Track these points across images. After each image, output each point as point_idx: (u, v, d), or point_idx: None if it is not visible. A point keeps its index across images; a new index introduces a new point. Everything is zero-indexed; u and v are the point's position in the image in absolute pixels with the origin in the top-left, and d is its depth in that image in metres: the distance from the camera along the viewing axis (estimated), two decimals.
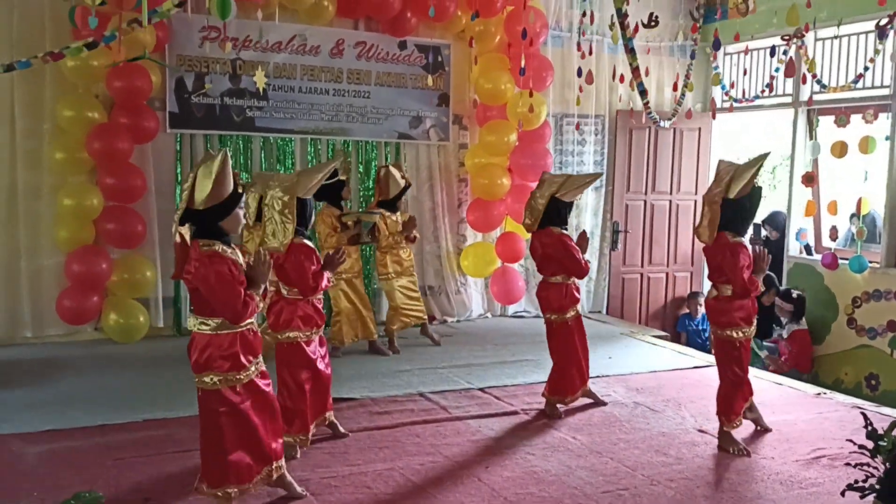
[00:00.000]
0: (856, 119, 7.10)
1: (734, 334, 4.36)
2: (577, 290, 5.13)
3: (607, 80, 8.41)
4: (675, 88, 7.78)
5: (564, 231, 4.99)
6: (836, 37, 7.01)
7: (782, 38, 7.01)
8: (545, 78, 7.50)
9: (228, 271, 3.19)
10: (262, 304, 3.41)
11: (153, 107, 6.69)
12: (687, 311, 9.02)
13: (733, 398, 4.41)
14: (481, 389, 5.52)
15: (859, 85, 7.14)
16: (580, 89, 7.53)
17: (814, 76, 7.26)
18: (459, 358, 6.41)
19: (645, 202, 8.78)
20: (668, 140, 8.75)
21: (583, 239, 5.08)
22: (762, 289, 4.44)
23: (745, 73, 7.35)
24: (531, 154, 7.64)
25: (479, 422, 4.82)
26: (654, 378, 5.95)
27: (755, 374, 6.15)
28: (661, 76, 8.64)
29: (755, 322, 4.46)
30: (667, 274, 8.96)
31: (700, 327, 8.89)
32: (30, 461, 4.09)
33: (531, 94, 6.99)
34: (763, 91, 7.93)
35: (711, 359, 6.74)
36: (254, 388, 3.43)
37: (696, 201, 8.95)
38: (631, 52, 5.54)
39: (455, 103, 7.91)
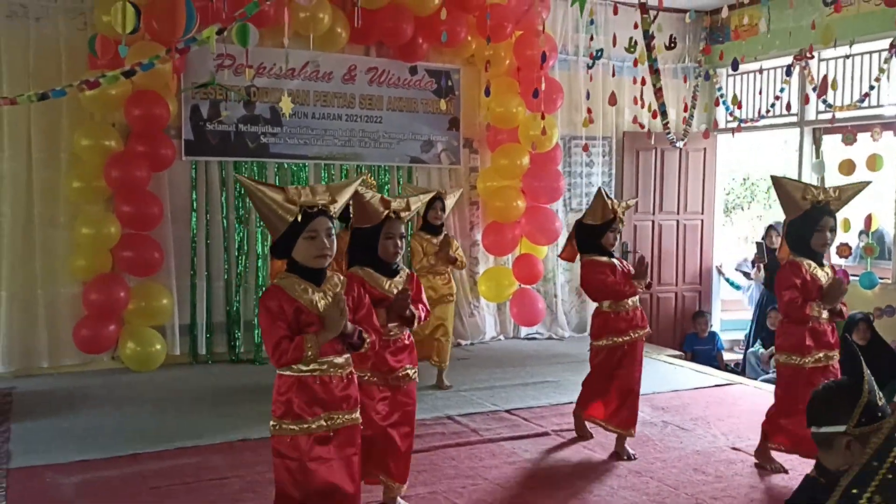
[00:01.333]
0: (863, 137, 7.21)
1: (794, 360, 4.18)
2: (624, 317, 4.62)
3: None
4: (685, 109, 7.86)
5: (596, 257, 4.63)
6: (847, 56, 7.11)
7: (795, 58, 7.10)
8: (555, 100, 7.58)
9: (275, 308, 2.83)
10: (365, 347, 2.99)
11: (168, 135, 6.70)
12: (693, 330, 9.06)
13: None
14: (508, 411, 5.52)
15: (865, 104, 7.25)
16: (588, 111, 7.62)
17: (821, 96, 7.37)
18: (480, 380, 6.40)
19: (653, 222, 8.85)
20: (674, 161, 8.85)
21: (640, 264, 4.61)
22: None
23: (759, 92, 7.41)
24: (544, 176, 7.71)
25: (512, 444, 4.81)
26: (677, 397, 5.97)
27: (771, 389, 6.20)
28: (665, 97, 8.71)
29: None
30: (675, 293, 9.00)
31: (707, 346, 8.93)
32: (67, 492, 4.04)
33: (543, 117, 7.06)
34: (768, 111, 8.03)
35: (731, 377, 6.85)
36: (324, 443, 2.94)
37: (702, 221, 9.04)
38: (655, 72, 5.59)
39: (465, 127, 7.97)
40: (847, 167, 7.09)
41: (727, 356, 8.94)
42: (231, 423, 5.18)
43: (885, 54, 6.91)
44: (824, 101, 7.48)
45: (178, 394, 5.96)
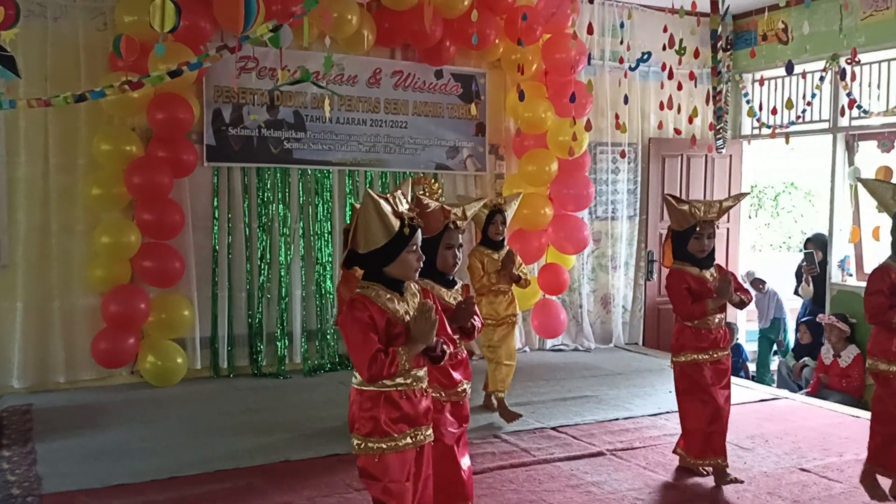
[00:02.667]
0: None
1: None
2: (706, 334, 4.27)
3: (640, 107, 8.34)
4: (714, 115, 7.69)
5: (684, 267, 4.28)
6: (887, 60, 6.96)
7: (847, 61, 6.90)
8: (585, 105, 7.37)
9: (367, 320, 2.71)
10: (446, 359, 2.90)
11: (190, 140, 6.44)
12: None
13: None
14: (554, 429, 5.29)
15: None
16: (616, 117, 7.43)
17: (852, 102, 7.21)
18: (516, 395, 6.16)
19: None
20: (699, 167, 8.67)
21: (722, 281, 4.20)
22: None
23: (803, 97, 7.22)
24: (573, 183, 7.50)
25: (568, 465, 4.58)
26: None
27: (830, 407, 6.01)
28: (688, 103, 8.55)
29: None
30: None
31: (733, 358, 8.72)
32: None
33: (574, 122, 6.86)
34: (799, 117, 7.87)
35: (773, 391, 6.65)
36: (412, 462, 2.83)
37: (728, 229, 8.86)
38: (718, 74, 5.40)
39: (491, 133, 7.76)
40: (884, 174, 6.94)
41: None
42: (266, 442, 4.93)
43: None
44: (859, 108, 7.31)
45: (204, 410, 5.69)
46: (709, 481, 4.33)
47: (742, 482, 4.26)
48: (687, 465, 4.44)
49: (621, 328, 8.49)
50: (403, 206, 2.79)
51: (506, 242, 5.63)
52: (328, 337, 7.06)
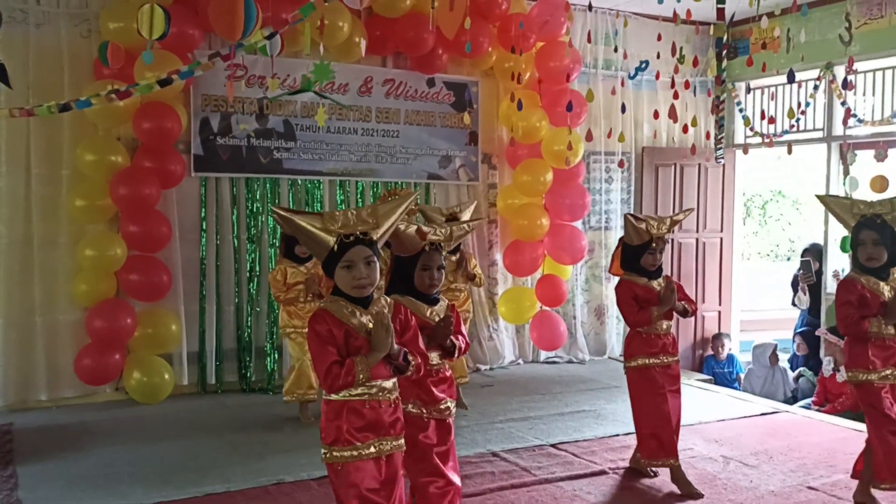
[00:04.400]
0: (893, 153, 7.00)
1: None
2: (655, 339, 4.43)
3: (633, 116, 8.25)
4: (716, 125, 7.61)
5: (631, 277, 4.46)
6: (881, 69, 6.92)
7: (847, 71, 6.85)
8: (580, 114, 7.26)
9: (325, 333, 2.76)
10: (411, 370, 2.90)
11: (177, 149, 6.28)
12: (711, 352, 8.78)
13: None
14: (553, 446, 5.16)
15: None
16: (610, 131, 7.34)
17: (848, 113, 7.15)
18: (512, 410, 6.05)
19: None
20: (692, 177, 8.59)
21: (665, 288, 4.39)
22: None
23: (798, 106, 7.14)
24: (568, 193, 7.39)
25: (570, 484, 4.45)
26: (726, 427, 5.65)
27: (833, 421, 5.93)
28: (682, 112, 8.49)
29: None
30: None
31: (726, 369, 8.66)
32: None
33: (570, 131, 6.77)
34: (792, 126, 7.81)
35: (775, 405, 6.55)
36: (378, 471, 2.85)
37: (721, 238, 8.79)
38: (722, 83, 5.30)
39: (484, 142, 7.64)
40: (879, 184, 6.88)
41: None
42: (258, 463, 4.77)
43: None
44: (854, 116, 7.26)
45: (192, 429, 5.51)
46: (713, 500, 4.21)
47: (702, 496, 4.28)
48: (637, 467, 4.60)
49: (615, 339, 8.39)
50: (348, 222, 2.76)
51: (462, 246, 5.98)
52: None
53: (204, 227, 6.51)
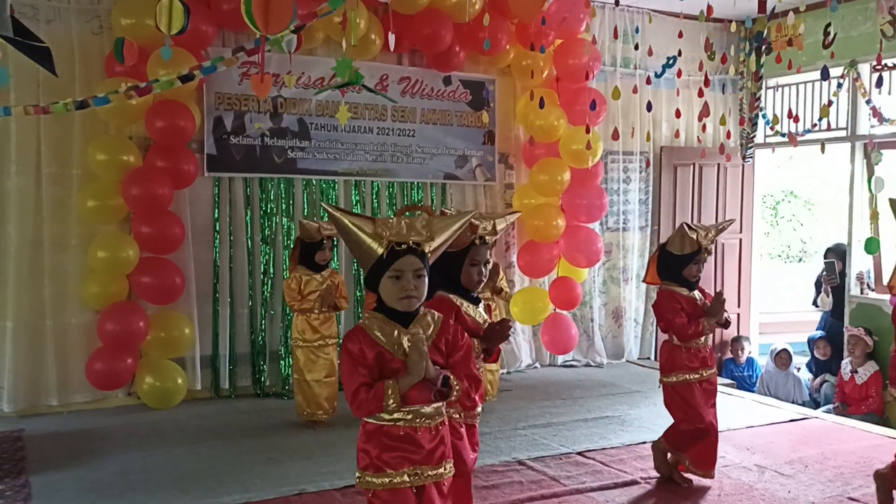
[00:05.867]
0: None
1: None
2: (696, 353, 4.35)
3: (652, 115, 8.09)
4: (741, 122, 7.46)
5: (675, 288, 4.35)
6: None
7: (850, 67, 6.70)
8: (599, 112, 7.11)
9: (357, 352, 2.59)
10: (453, 395, 2.67)
11: (190, 149, 6.14)
12: (730, 356, 8.63)
13: None
14: (580, 454, 5.01)
15: None
16: (633, 129, 7.20)
17: (876, 113, 7.00)
18: (534, 416, 5.90)
19: None
20: (711, 177, 8.44)
21: (716, 300, 4.32)
22: None
23: (827, 102, 6.97)
24: (586, 193, 7.24)
25: (602, 495, 4.30)
26: (756, 434, 5.50)
27: (864, 427, 5.78)
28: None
29: None
30: None
31: (746, 373, 8.51)
32: None
33: (588, 130, 6.61)
34: (815, 125, 7.66)
35: (804, 410, 6.40)
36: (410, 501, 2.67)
37: (740, 240, 8.64)
38: (760, 79, 5.16)
39: (501, 141, 7.49)
40: None
41: None
42: (277, 471, 4.62)
43: None
44: (881, 116, 7.11)
45: (207, 435, 5.37)
46: None
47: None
48: (666, 474, 4.49)
49: (633, 342, 8.24)
50: (399, 229, 2.59)
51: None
52: None
53: (217, 228, 6.37)
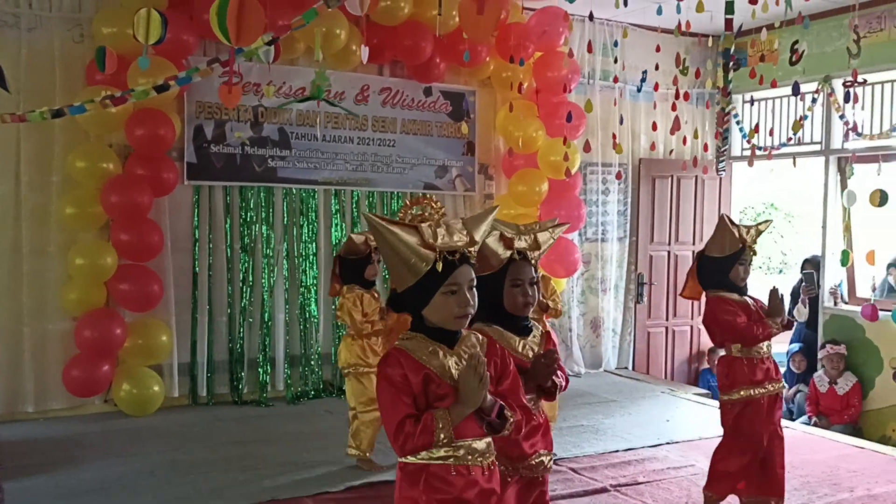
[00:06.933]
0: (889, 167, 6.97)
1: None
2: (760, 365, 3.94)
3: (630, 127, 8.20)
4: (717, 136, 7.57)
5: (723, 294, 3.97)
6: (881, 82, 6.90)
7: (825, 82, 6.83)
8: (578, 126, 7.20)
9: (399, 379, 2.23)
10: (508, 429, 2.31)
11: (170, 157, 6.17)
12: (707, 366, 8.72)
13: None
14: (553, 462, 5.05)
15: None
16: (613, 137, 7.28)
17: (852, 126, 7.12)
18: None
19: (669, 253, 8.52)
20: (690, 189, 8.54)
21: (773, 299, 3.98)
22: None
23: (799, 118, 7.08)
24: (564, 204, 7.32)
25: (571, 502, 4.37)
26: None
27: (833, 437, 5.86)
28: (682, 124, 8.43)
29: None
30: (691, 327, 8.66)
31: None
32: None
33: (565, 142, 6.70)
34: (790, 139, 7.78)
35: None
36: None
37: None
38: (728, 95, 5.25)
39: (480, 152, 7.57)
40: (877, 198, 6.84)
41: None
42: (252, 479, 4.65)
43: None
44: (853, 130, 7.23)
45: (183, 443, 5.38)
46: None
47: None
48: None
49: (611, 352, 8.32)
50: (442, 236, 2.24)
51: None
52: (312, 363, 6.79)
53: (197, 236, 6.40)
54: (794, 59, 4.93)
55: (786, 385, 8.09)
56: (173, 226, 6.28)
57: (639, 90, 6.87)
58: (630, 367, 8.36)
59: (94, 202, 5.80)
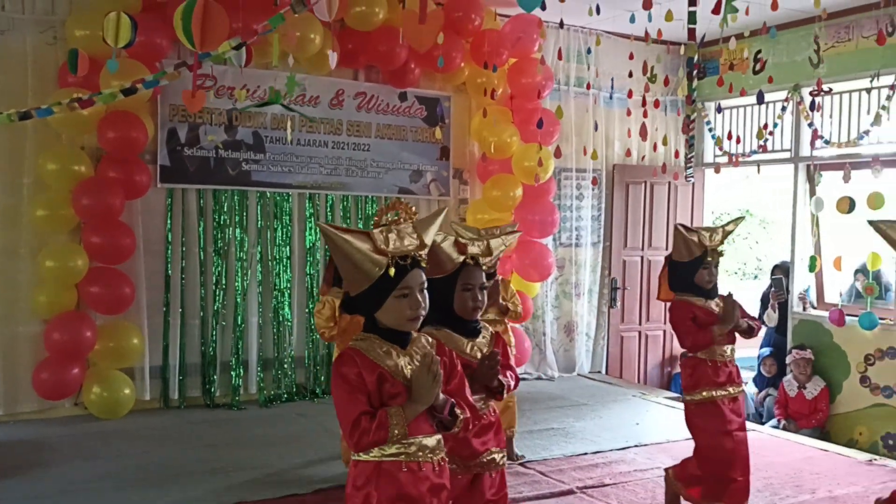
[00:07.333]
0: (858, 174, 7.08)
1: None
2: (721, 367, 4.00)
3: (604, 134, 8.29)
4: (686, 143, 7.67)
5: (689, 298, 4.03)
6: (848, 91, 7.03)
7: (794, 91, 6.95)
8: (552, 132, 7.27)
9: (354, 377, 2.30)
10: (458, 426, 2.41)
11: (143, 160, 6.18)
12: (679, 370, 8.80)
13: None
14: (521, 464, 5.12)
15: (863, 141, 7.14)
16: (584, 150, 7.39)
17: (815, 134, 7.23)
18: None
19: (642, 258, 8.60)
20: (663, 195, 8.64)
21: (726, 305, 3.98)
22: None
23: (765, 126, 7.17)
24: (538, 209, 7.38)
25: None
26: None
27: (799, 440, 5.95)
28: (653, 131, 8.54)
29: None
30: (664, 332, 8.74)
31: None
32: None
33: (540, 147, 6.77)
34: (761, 146, 7.88)
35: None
36: None
37: None
38: (693, 102, 5.33)
39: (455, 157, 7.62)
40: (845, 205, 6.95)
41: None
42: (221, 481, 4.67)
43: (886, 91, 6.82)
44: (820, 137, 7.35)
45: (153, 446, 5.38)
46: None
47: None
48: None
49: (585, 356, 8.38)
50: (394, 241, 2.33)
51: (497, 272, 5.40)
52: (285, 366, 6.80)
53: (170, 239, 6.40)
54: (757, 67, 5.01)
55: (756, 388, 8.23)
56: (146, 229, 6.28)
57: (610, 97, 6.93)
58: (603, 371, 8.43)
59: (66, 204, 5.79)
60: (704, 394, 3.99)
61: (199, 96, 4.10)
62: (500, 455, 2.86)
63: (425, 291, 2.39)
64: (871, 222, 4.04)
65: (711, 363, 3.98)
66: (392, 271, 2.30)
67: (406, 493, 2.30)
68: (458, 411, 2.40)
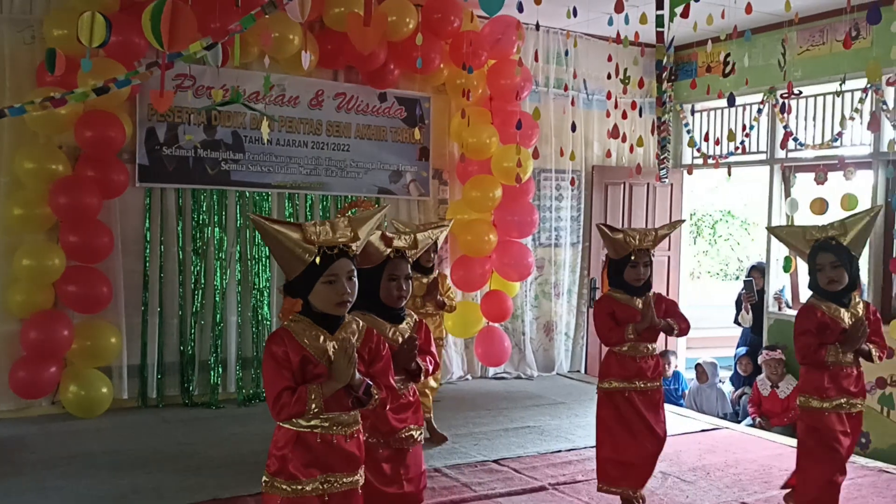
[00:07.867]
0: (834, 175, 7.18)
1: None
2: (630, 361, 4.19)
3: (583, 135, 8.35)
4: (658, 145, 7.74)
5: (613, 294, 4.22)
6: (822, 94, 7.13)
7: (770, 93, 7.03)
8: (531, 134, 7.32)
9: (281, 355, 2.58)
10: (373, 403, 2.71)
11: (121, 159, 6.19)
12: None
13: None
14: (496, 461, 5.17)
15: (837, 143, 7.24)
16: (561, 150, 7.42)
17: (787, 135, 7.33)
18: (458, 425, 6.04)
19: None
20: (641, 195, 8.71)
21: (644, 308, 4.11)
22: None
23: (742, 129, 7.25)
24: (517, 210, 7.43)
25: (510, 500, 4.47)
26: (667, 444, 5.68)
27: (771, 438, 6.02)
28: (630, 132, 8.60)
29: None
30: None
31: (672, 386, 8.75)
32: None
33: (519, 149, 6.81)
34: (737, 148, 7.97)
35: (716, 421, 6.65)
36: None
37: (668, 257, 8.91)
38: (663, 105, 5.40)
39: (435, 157, 7.66)
40: (819, 206, 7.04)
41: None
42: (195, 480, 4.69)
43: (857, 94, 6.92)
44: (795, 140, 7.44)
45: (130, 444, 5.39)
46: None
47: None
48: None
49: (564, 356, 8.44)
50: (324, 233, 2.61)
51: (435, 268, 5.69)
52: None
53: (148, 238, 6.42)
54: (727, 70, 5.09)
55: (732, 387, 8.31)
56: (124, 228, 6.29)
57: (589, 98, 6.99)
58: (583, 371, 8.49)
59: (43, 203, 5.79)
60: (612, 384, 4.24)
61: (167, 96, 4.14)
62: (419, 432, 3.20)
63: (354, 280, 2.66)
64: (769, 229, 4.17)
65: (621, 356, 4.20)
66: (318, 259, 2.58)
67: (318, 458, 2.62)
68: (373, 391, 2.68)
